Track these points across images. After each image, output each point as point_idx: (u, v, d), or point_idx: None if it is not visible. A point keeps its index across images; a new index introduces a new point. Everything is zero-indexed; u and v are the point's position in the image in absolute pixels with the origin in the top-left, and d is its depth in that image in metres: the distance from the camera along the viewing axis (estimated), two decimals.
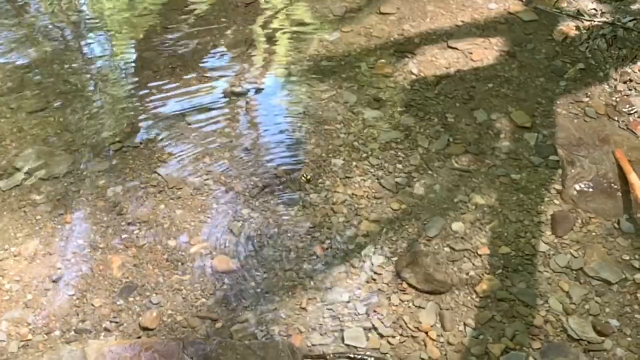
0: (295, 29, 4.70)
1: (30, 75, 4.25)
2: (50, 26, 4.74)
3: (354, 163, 3.61)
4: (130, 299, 2.98)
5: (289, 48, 4.50)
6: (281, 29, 4.71)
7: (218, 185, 3.50)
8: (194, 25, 4.75)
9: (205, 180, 3.52)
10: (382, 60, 4.35)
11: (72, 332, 2.85)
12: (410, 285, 3.03)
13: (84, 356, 2.65)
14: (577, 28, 4.56)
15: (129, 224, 3.30)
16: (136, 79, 4.24)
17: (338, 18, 4.77)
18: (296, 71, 4.29)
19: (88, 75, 4.27)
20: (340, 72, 4.26)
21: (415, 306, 2.95)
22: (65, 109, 3.97)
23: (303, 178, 3.32)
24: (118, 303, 2.97)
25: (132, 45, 4.59)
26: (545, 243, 3.20)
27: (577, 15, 4.67)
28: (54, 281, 3.05)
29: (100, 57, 4.47)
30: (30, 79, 4.22)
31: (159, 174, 3.55)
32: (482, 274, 3.07)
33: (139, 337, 2.83)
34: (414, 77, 4.21)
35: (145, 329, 2.86)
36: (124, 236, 3.25)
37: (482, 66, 4.28)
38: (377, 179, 3.52)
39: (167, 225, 3.29)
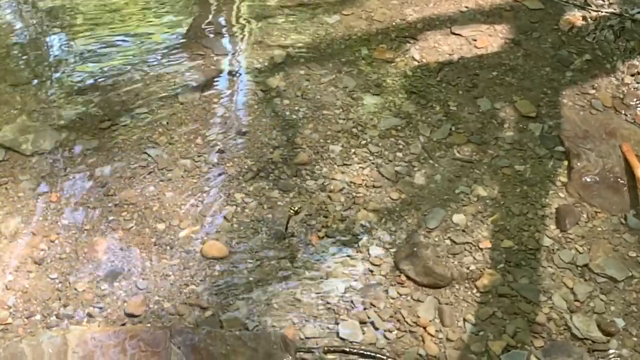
0: (294, 10, 4.55)
1: (16, 48, 4.10)
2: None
3: (353, 150, 3.49)
4: (116, 284, 2.85)
5: (287, 29, 4.35)
6: (280, 9, 4.55)
7: (210, 168, 3.36)
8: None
9: (197, 162, 3.39)
10: (383, 45, 4.21)
11: (54, 317, 2.72)
12: (408, 277, 2.91)
13: (65, 342, 2.51)
14: (584, 18, 4.45)
15: (116, 205, 3.16)
16: (130, 54, 4.08)
17: (339, 0, 4.62)
18: (294, 53, 4.15)
19: (74, 51, 4.10)
20: (340, 56, 4.12)
21: (414, 300, 2.84)
22: (52, 84, 3.82)
23: (292, 210, 3.04)
24: (102, 288, 2.83)
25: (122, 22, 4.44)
26: (549, 237, 3.10)
27: (584, 5, 4.56)
28: (36, 263, 2.92)
29: (86, 34, 4.30)
30: (15, 51, 4.07)
31: (149, 155, 3.41)
32: (484, 268, 2.96)
33: (124, 324, 2.70)
34: (415, 63, 4.08)
35: (130, 315, 2.74)
36: (110, 218, 3.11)
37: (486, 54, 4.16)
38: (377, 167, 3.40)
39: (156, 208, 3.16)
